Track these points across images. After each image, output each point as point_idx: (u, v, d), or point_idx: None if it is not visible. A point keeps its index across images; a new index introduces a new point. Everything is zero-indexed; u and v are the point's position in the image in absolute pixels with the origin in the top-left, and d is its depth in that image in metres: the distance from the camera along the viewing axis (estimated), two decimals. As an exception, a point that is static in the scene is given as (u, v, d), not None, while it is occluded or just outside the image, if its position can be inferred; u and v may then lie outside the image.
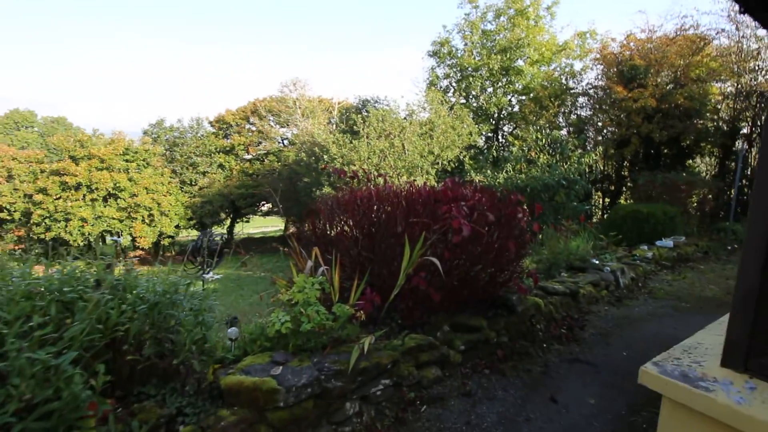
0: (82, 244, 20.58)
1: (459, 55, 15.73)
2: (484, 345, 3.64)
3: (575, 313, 4.89)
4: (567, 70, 16.01)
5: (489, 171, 10.70)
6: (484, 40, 15.58)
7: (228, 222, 30.58)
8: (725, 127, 13.11)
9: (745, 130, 12.74)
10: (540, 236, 7.44)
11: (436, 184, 11.92)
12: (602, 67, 14.45)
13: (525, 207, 4.30)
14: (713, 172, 13.56)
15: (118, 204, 22.74)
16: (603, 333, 4.37)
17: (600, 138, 14.55)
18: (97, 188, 21.94)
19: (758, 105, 12.12)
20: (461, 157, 12.87)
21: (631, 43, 14.03)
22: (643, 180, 11.30)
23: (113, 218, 22.36)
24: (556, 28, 17.44)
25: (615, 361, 3.72)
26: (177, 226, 26.26)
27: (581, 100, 15.54)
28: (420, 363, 3.09)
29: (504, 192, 4.33)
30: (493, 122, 16.22)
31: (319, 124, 24.03)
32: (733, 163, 13.44)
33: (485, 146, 17.22)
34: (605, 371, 3.52)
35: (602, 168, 14.81)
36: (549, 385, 3.27)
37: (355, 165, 11.30)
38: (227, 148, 31.14)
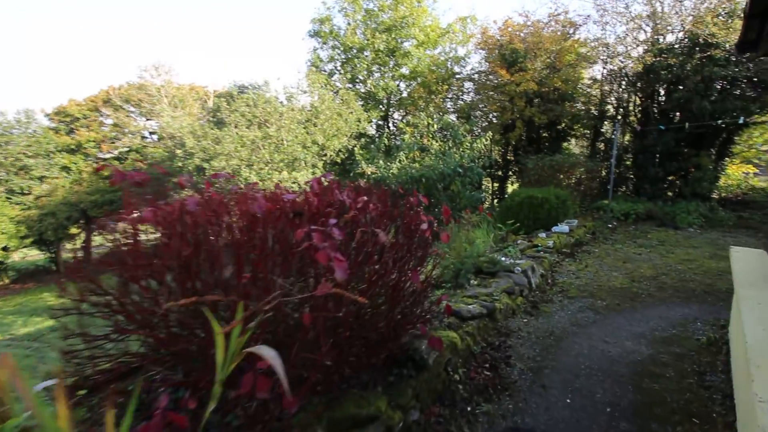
0: None
1: (342, 34, 14.35)
2: (384, 440, 2.33)
3: (495, 338, 3.89)
4: (452, 55, 15.71)
5: (381, 161, 9.58)
6: (368, 21, 14.43)
7: (83, 236, 25.26)
8: (594, 110, 13.89)
9: (612, 112, 13.61)
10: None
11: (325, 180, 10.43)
12: (485, 52, 14.34)
13: (421, 198, 3.08)
14: (587, 153, 14.33)
15: None
16: (534, 367, 3.40)
17: (486, 123, 14.51)
18: None
19: (622, 88, 12.97)
20: (351, 147, 11.59)
21: (509, 28, 14.10)
22: (532, 164, 11.26)
23: None
24: (438, 11, 17.02)
25: (562, 420, 2.71)
26: (5, 248, 20.72)
27: (467, 85, 15.38)
28: None
29: (399, 188, 3.12)
30: (383, 108, 15.27)
31: (190, 114, 20.75)
32: (602, 144, 14.37)
33: (377, 134, 16.23)
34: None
35: (490, 153, 14.85)
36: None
37: (219, 160, 9.22)
38: (72, 147, 25.54)
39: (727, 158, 12.67)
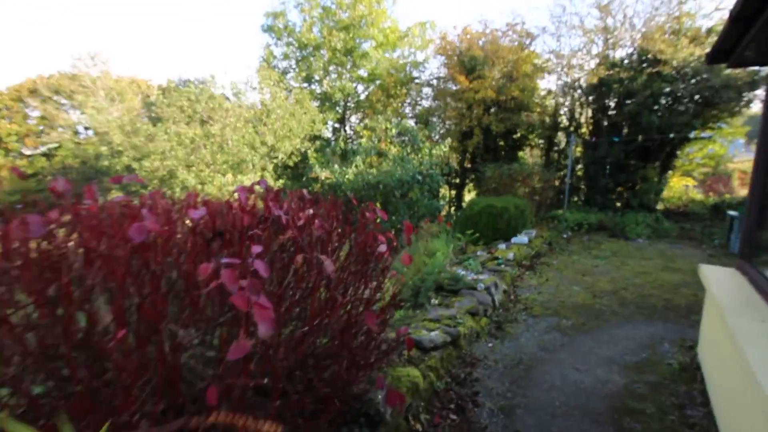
0: None
1: (297, 31, 13.65)
2: None
3: (460, 369, 3.45)
4: (411, 59, 15.46)
5: (337, 166, 9.02)
6: (326, 18, 13.84)
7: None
8: (549, 121, 14.11)
9: (565, 123, 13.88)
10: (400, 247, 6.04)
11: (274, 184, 9.65)
12: (444, 58, 14.20)
13: (379, 211, 2.56)
14: (541, 163, 14.52)
15: None
16: (505, 407, 2.97)
17: (445, 130, 14.35)
18: None
19: (575, 99, 13.24)
20: (304, 150, 10.89)
21: (468, 35, 14.05)
22: (490, 172, 11.14)
23: None
24: (398, 14, 16.72)
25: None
26: None
27: (426, 90, 15.18)
28: None
29: (353, 198, 2.60)
30: (340, 111, 14.71)
31: (130, 109, 19.07)
32: (556, 154, 14.63)
33: (332, 137, 15.62)
34: None
35: (448, 160, 14.70)
36: None
37: (152, 160, 8.20)
38: (-12, 141, 22.84)
39: (670, 171, 13.25)
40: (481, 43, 13.50)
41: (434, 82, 14.75)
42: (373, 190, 8.76)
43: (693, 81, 10.75)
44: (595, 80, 11.51)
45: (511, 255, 7.06)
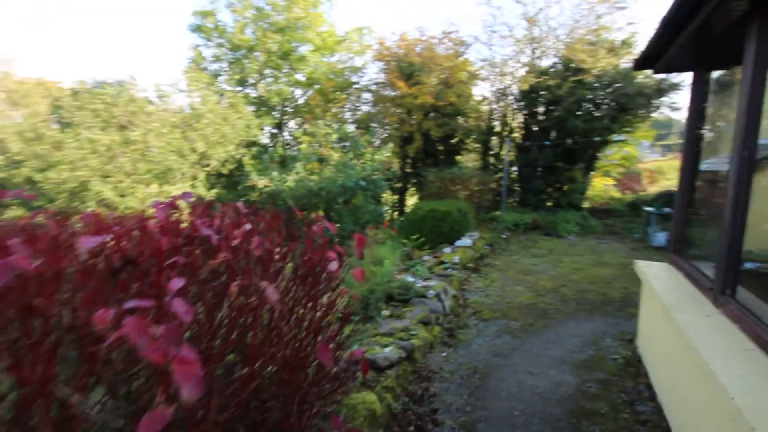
0: None
1: (229, 31, 12.92)
2: None
3: (416, 386, 3.28)
4: (349, 64, 15.28)
5: (276, 173, 8.56)
6: (259, 20, 13.25)
7: None
8: (483, 126, 14.60)
9: (499, 128, 14.44)
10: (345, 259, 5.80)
11: (206, 195, 8.91)
12: (382, 63, 14.20)
13: (327, 223, 2.32)
14: (478, 167, 14.97)
15: None
16: (466, 423, 2.84)
17: (386, 134, 14.33)
18: None
19: (507, 105, 13.83)
20: (239, 156, 10.24)
21: (405, 42, 14.17)
22: (432, 176, 11.24)
23: None
24: (335, 18, 16.49)
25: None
26: None
27: (365, 95, 15.07)
28: None
29: (296, 207, 2.33)
30: (277, 116, 14.13)
31: (35, 113, 16.94)
32: (492, 158, 15.17)
33: (270, 143, 14.98)
34: None
35: (389, 166, 14.69)
36: None
37: (59, 171, 7.15)
38: None
39: (592, 172, 14.25)
40: (418, 49, 13.66)
41: (373, 87, 14.70)
42: (315, 197, 8.43)
43: (610, 89, 11.64)
44: (526, 87, 12.08)
45: (456, 258, 7.08)
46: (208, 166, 9.85)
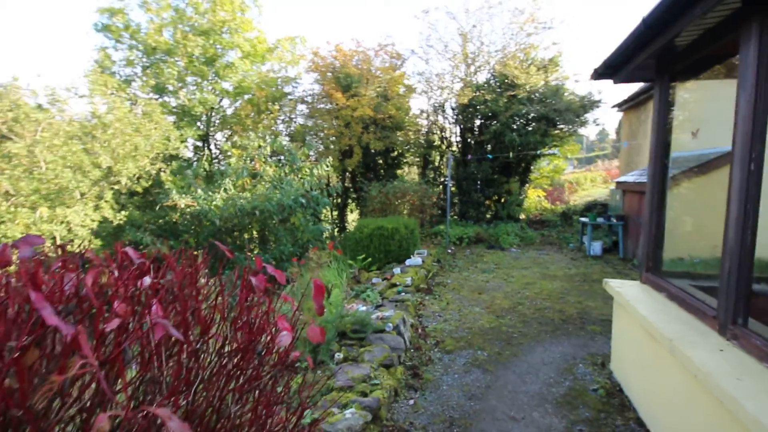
0: None
1: (143, 33, 11.49)
2: None
3: (386, 454, 2.66)
4: (282, 74, 14.47)
5: (201, 191, 7.52)
6: (179, 23, 12.00)
7: None
8: (422, 139, 14.52)
9: (437, 142, 14.42)
10: (287, 287, 5.06)
11: (114, 217, 7.62)
12: (317, 74, 13.60)
13: (272, 270, 1.64)
14: (419, 181, 14.81)
15: None
16: (455, 506, 2.27)
17: (323, 148, 13.67)
18: None
19: (446, 119, 13.87)
20: (156, 172, 8.91)
21: (341, 53, 13.72)
22: (375, 191, 10.76)
23: None
24: (265, 26, 15.56)
25: None
26: None
27: (301, 107, 14.32)
28: None
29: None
30: (202, 127, 12.85)
31: None
32: (431, 172, 15.10)
33: (195, 157, 13.59)
34: None
35: (328, 180, 14.01)
36: None
37: None
38: None
39: (527, 184, 14.72)
40: (354, 61, 13.28)
41: (309, 98, 14.01)
42: (247, 217, 7.51)
43: (542, 104, 12.06)
44: (465, 101, 12.14)
45: (408, 280, 6.60)
46: (117, 183, 8.47)
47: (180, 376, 1.13)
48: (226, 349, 1.35)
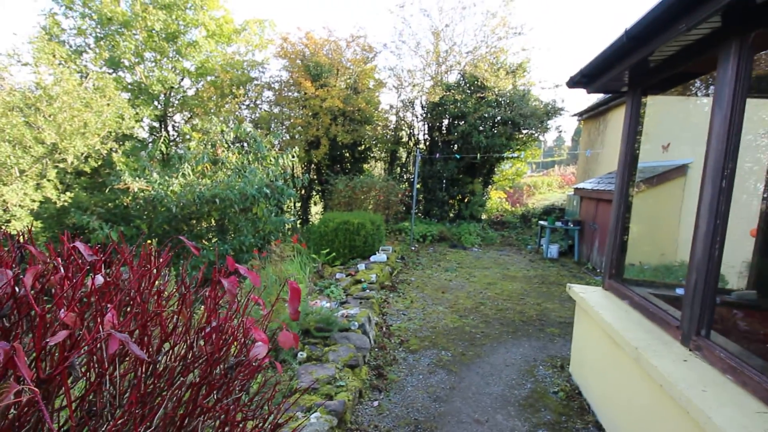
0: None
1: (97, 1, 10.56)
2: None
3: (352, 461, 2.56)
4: (249, 57, 13.87)
5: (156, 174, 7.04)
6: (138, -7, 11.16)
7: None
8: (390, 135, 14.44)
9: (405, 138, 14.40)
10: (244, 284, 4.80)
11: (58, 199, 7.04)
12: (286, 61, 13.15)
13: (245, 270, 1.48)
14: (386, 177, 14.76)
15: None
16: None
17: (289, 137, 13.28)
18: None
19: (415, 116, 13.86)
20: (107, 151, 8.23)
21: (311, 41, 13.35)
22: (342, 185, 10.58)
23: None
24: (232, 6, 14.81)
25: None
26: None
27: (267, 93, 13.81)
28: None
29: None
30: (160, 107, 12.07)
31: None
32: (398, 168, 15.08)
33: (150, 139, 12.78)
34: None
35: (293, 170, 13.63)
36: None
37: None
38: None
39: (490, 185, 15.03)
40: (325, 50, 12.95)
41: (276, 85, 13.52)
42: (206, 205, 7.12)
43: (509, 108, 12.31)
44: (435, 99, 12.16)
45: (373, 276, 6.52)
46: (63, 161, 7.76)
47: (138, 394, 0.97)
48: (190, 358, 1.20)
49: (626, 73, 3.27)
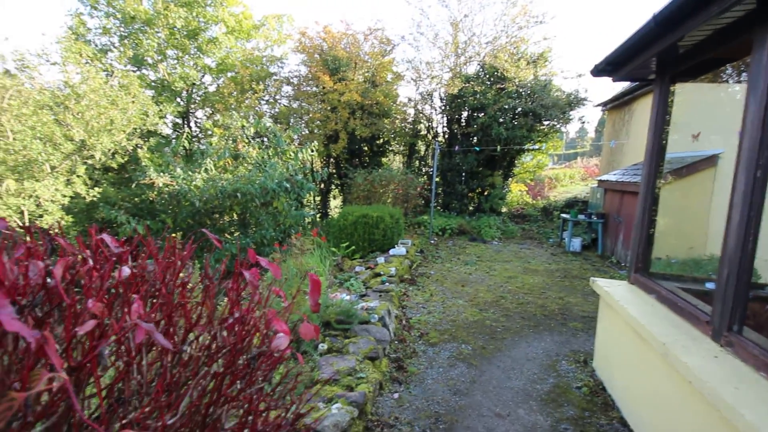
0: None
1: (121, 0, 10.84)
2: None
3: (372, 451, 2.59)
4: (267, 53, 13.99)
5: (180, 170, 7.20)
6: (160, -9, 11.37)
7: None
8: (409, 128, 14.36)
9: (424, 131, 14.29)
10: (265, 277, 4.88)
11: (87, 194, 7.27)
12: (304, 55, 13.20)
13: (267, 263, 1.50)
14: (404, 171, 14.70)
15: None
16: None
17: (308, 132, 13.37)
18: None
19: (434, 108, 13.73)
20: (132, 148, 8.48)
21: (329, 35, 13.35)
22: (361, 178, 10.60)
23: None
24: (250, 1, 14.96)
25: None
26: None
27: (286, 88, 13.91)
28: None
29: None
30: (183, 103, 12.33)
31: None
32: (417, 161, 15.00)
33: (173, 135, 13.08)
34: None
35: (312, 165, 13.73)
36: None
37: None
38: None
39: (510, 178, 14.80)
40: (343, 44, 12.94)
41: (295, 80, 13.61)
42: (228, 199, 7.25)
43: (530, 99, 12.05)
44: (454, 91, 12.01)
45: (393, 270, 6.52)
46: (91, 157, 8.03)
47: (164, 383, 1.00)
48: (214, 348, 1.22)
49: (654, 60, 3.15)
